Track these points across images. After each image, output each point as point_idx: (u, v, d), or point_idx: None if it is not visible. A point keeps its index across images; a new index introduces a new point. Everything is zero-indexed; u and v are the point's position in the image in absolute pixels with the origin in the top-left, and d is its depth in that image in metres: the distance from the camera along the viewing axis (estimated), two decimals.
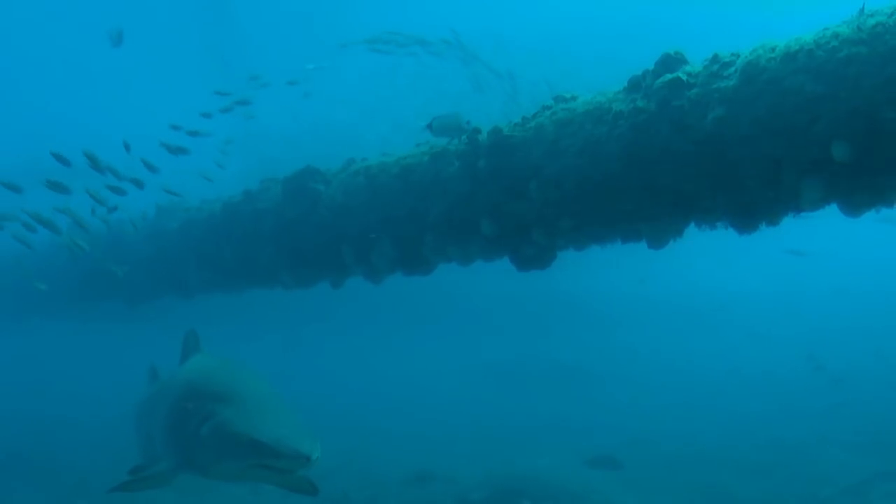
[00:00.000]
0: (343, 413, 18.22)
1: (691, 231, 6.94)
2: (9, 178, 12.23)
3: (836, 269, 35.02)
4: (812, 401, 19.43)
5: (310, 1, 35.14)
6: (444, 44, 20.51)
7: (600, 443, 16.10)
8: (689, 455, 14.92)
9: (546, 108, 7.34)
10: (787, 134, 5.63)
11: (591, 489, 12.52)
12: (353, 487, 12.08)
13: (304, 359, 26.18)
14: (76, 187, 11.05)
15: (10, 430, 16.20)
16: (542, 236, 7.38)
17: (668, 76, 6.30)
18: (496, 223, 7.56)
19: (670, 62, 6.43)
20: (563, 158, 6.91)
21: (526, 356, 27.89)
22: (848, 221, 6.27)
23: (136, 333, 20.47)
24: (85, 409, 19.17)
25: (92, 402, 19.62)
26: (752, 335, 29.35)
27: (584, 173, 6.76)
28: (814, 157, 5.59)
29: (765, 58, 5.82)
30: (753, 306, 31.40)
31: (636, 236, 6.97)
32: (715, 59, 6.25)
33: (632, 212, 6.69)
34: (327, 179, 9.46)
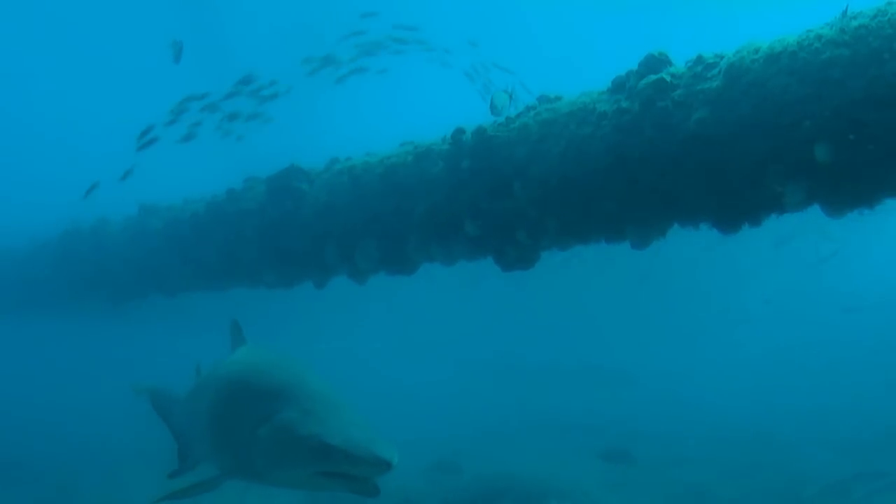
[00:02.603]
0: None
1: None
2: None
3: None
4: (797, 401, 19.51)
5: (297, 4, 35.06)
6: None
7: (589, 443, 16.13)
8: (674, 454, 14.97)
9: (530, 109, 7.34)
10: (770, 135, 5.64)
11: (575, 488, 12.52)
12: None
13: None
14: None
15: None
16: (526, 237, 7.37)
17: (652, 77, 6.30)
18: (480, 223, 7.55)
19: (654, 63, 6.43)
20: (547, 159, 6.90)
21: (530, 355, 27.92)
22: None
23: (121, 333, 20.36)
24: (70, 410, 19.06)
25: (76, 404, 19.52)
26: (752, 337, 29.47)
27: (567, 173, 6.75)
28: (797, 159, 5.60)
29: (748, 59, 5.83)
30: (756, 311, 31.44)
31: (620, 236, 6.97)
32: (699, 60, 6.26)
33: (616, 212, 6.69)
34: (311, 179, 9.43)
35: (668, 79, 6.24)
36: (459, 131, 7.75)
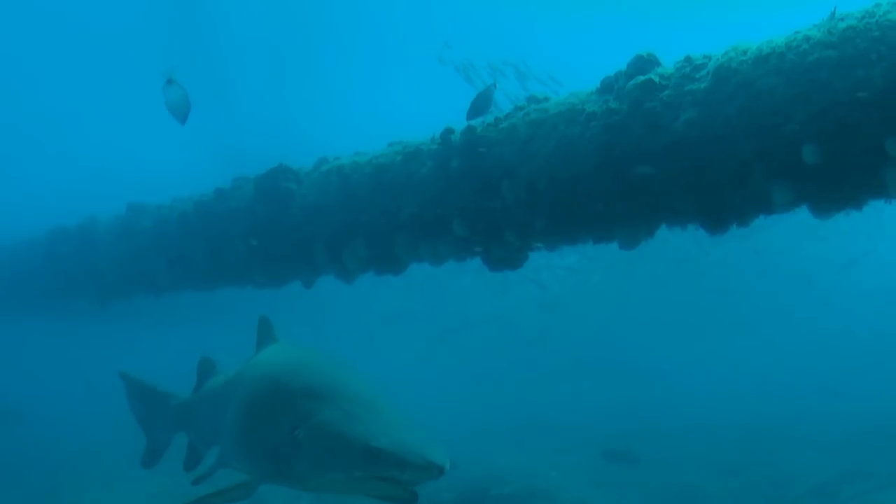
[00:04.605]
0: None
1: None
2: None
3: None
4: (786, 402, 19.59)
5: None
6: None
7: (587, 441, 16.16)
8: (665, 454, 14.99)
9: (519, 109, 7.34)
10: (758, 136, 5.65)
11: (563, 488, 12.54)
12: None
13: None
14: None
15: None
16: (514, 237, 7.38)
17: (641, 77, 6.30)
18: (468, 223, 7.54)
19: (642, 64, 6.43)
20: (536, 159, 6.91)
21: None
22: None
23: (109, 332, 20.29)
24: (58, 410, 19.00)
25: (64, 404, 19.45)
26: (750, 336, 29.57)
27: (556, 174, 6.75)
28: (784, 159, 5.62)
29: (736, 60, 5.84)
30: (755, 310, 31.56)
31: (608, 236, 6.98)
32: (687, 61, 6.27)
33: (604, 212, 6.70)
34: (299, 178, 9.40)
35: (657, 79, 6.25)
36: (448, 131, 7.75)
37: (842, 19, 5.45)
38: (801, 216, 6.13)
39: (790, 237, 23.93)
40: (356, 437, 4.54)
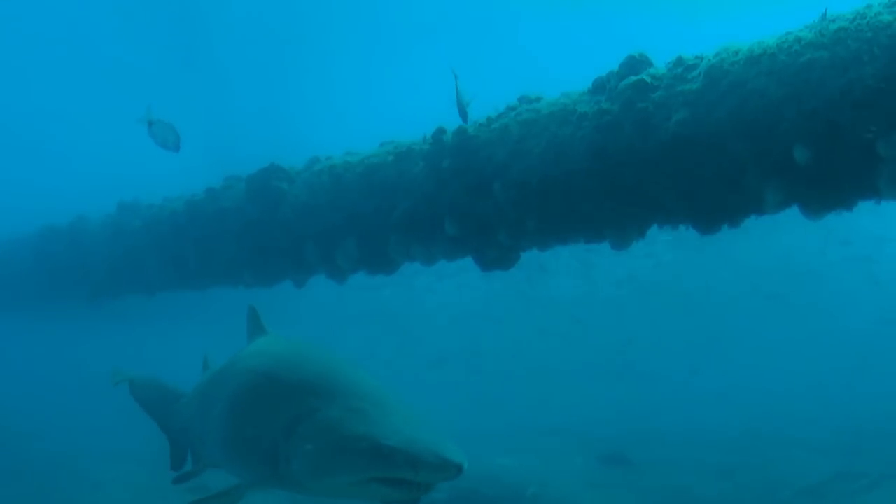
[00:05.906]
0: None
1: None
2: None
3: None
4: (778, 405, 19.61)
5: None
6: None
7: (567, 443, 16.13)
8: (659, 456, 14.99)
9: (511, 109, 7.34)
10: (749, 136, 5.66)
11: (554, 489, 12.54)
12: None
13: None
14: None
15: None
16: (506, 237, 7.37)
17: (633, 78, 6.31)
18: (460, 223, 7.53)
19: (634, 64, 6.44)
20: (528, 159, 6.90)
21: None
22: None
23: (101, 330, 20.24)
24: (49, 408, 18.92)
25: (55, 402, 19.39)
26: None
27: (548, 174, 6.75)
28: (776, 160, 5.62)
29: (728, 61, 5.85)
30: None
31: (599, 237, 6.97)
32: (679, 61, 6.28)
33: (595, 212, 6.70)
34: (291, 178, 9.39)
35: (649, 80, 6.25)
36: (440, 131, 7.75)
37: (833, 20, 5.47)
38: (800, 220, 6.13)
39: (785, 240, 24.06)
40: (364, 436, 4.18)
